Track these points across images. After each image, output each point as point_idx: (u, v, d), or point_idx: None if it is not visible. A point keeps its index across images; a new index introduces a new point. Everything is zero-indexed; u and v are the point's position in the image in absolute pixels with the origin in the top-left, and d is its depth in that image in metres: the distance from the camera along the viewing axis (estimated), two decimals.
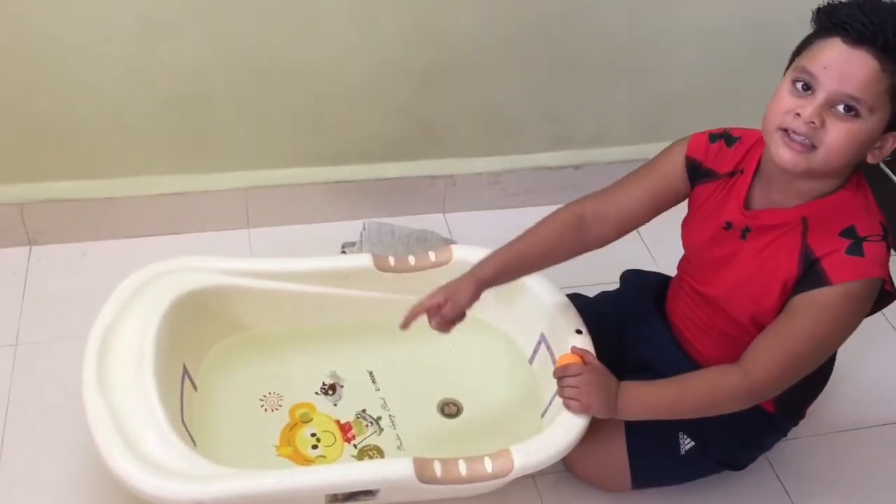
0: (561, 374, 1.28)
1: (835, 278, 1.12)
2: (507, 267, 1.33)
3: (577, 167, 1.94)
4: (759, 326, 1.22)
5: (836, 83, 1.05)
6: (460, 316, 1.30)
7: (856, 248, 1.13)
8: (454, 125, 1.81)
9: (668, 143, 1.88)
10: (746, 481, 1.46)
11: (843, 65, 1.04)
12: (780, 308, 1.19)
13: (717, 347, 1.31)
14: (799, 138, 1.08)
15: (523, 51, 1.72)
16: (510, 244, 1.34)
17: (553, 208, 1.93)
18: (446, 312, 1.28)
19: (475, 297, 1.30)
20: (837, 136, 1.06)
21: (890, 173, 1.97)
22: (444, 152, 1.85)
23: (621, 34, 1.75)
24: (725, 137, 1.28)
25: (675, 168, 1.30)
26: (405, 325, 1.30)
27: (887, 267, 1.15)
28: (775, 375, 1.18)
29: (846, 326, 1.17)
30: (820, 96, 1.06)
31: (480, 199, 1.93)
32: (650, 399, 1.25)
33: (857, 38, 1.04)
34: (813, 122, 1.06)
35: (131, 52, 1.54)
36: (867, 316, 1.18)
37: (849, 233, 1.14)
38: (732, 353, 1.23)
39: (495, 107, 1.81)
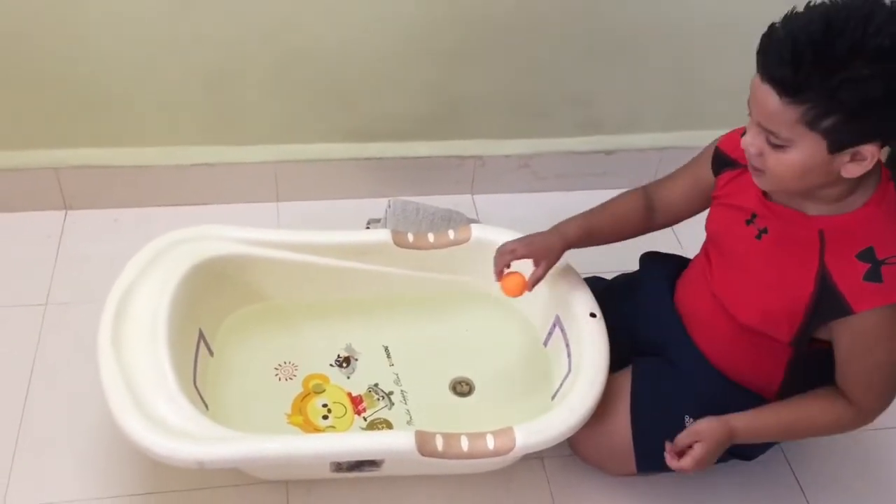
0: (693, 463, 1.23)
1: (857, 307, 1.10)
2: (586, 233, 1.38)
3: (608, 153, 1.93)
4: (764, 334, 1.22)
5: (757, 115, 1.05)
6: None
7: (874, 274, 1.09)
8: (483, 105, 1.80)
9: (700, 132, 1.87)
10: (760, 472, 1.45)
11: (756, 97, 1.04)
12: (791, 321, 1.17)
13: (714, 341, 1.31)
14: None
15: (555, 31, 1.71)
16: (587, 213, 1.41)
17: (583, 194, 1.96)
18: (540, 273, 1.34)
19: (560, 256, 1.36)
20: (775, 164, 1.07)
21: None
22: (473, 133, 1.85)
23: (656, 18, 1.73)
24: None
25: (708, 159, 1.33)
26: (499, 276, 1.36)
27: None
28: (880, 402, 1.20)
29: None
30: (753, 127, 1.07)
31: (509, 181, 1.92)
32: (761, 432, 1.25)
33: (761, 72, 1.02)
34: (751, 151, 1.08)
35: (165, 23, 1.57)
36: None
37: (867, 255, 1.10)
38: (728, 349, 1.28)
39: (526, 88, 1.80)
